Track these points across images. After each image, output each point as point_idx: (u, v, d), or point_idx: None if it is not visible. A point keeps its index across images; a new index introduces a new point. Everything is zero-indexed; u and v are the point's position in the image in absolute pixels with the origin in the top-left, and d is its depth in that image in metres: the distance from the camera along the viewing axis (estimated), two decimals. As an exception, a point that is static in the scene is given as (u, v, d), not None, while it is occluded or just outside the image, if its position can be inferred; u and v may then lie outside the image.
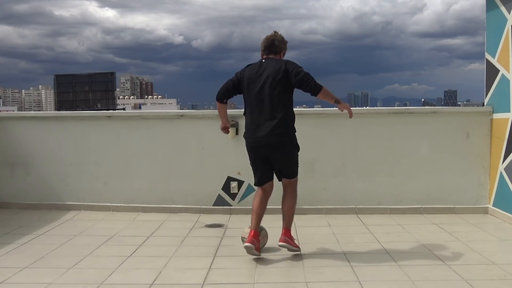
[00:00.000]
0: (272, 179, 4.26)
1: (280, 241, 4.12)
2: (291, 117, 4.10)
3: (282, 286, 3.56)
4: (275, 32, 4.25)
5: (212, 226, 5.30)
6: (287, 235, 4.16)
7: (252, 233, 4.07)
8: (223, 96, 4.27)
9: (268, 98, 4.01)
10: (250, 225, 4.18)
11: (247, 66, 4.22)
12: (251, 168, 4.29)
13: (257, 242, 4.05)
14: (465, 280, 3.54)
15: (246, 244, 4.02)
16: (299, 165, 4.28)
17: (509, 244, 4.62)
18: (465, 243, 4.51)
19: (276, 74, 4.01)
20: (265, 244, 4.30)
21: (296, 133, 4.14)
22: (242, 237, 4.30)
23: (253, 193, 4.59)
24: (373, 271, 3.82)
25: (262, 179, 4.23)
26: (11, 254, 4.34)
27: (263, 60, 4.16)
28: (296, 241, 4.28)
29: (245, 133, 4.22)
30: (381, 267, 3.90)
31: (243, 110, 4.28)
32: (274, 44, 4.17)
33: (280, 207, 4.26)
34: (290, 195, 4.24)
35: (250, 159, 4.25)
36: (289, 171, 4.22)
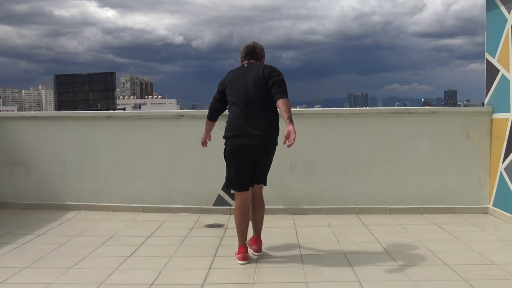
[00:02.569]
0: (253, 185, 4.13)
1: (258, 251, 4.20)
2: (277, 118, 4.02)
3: (282, 286, 3.56)
4: (255, 42, 4.27)
5: (212, 226, 5.30)
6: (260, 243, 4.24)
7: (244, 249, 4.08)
8: (214, 115, 4.34)
9: (256, 100, 3.94)
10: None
11: (229, 72, 4.19)
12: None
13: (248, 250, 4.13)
14: (465, 280, 3.54)
15: (243, 262, 4.01)
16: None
17: (509, 244, 4.61)
18: (465, 243, 4.51)
19: (263, 76, 3.96)
20: None
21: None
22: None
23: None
24: (373, 271, 3.82)
25: (247, 183, 4.07)
26: (11, 254, 4.34)
27: (245, 65, 4.15)
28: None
29: (229, 134, 4.03)
30: (381, 267, 3.90)
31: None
32: (255, 51, 4.21)
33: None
34: (262, 203, 4.21)
35: (235, 161, 4.03)
36: (265, 175, 4.18)
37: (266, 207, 4.31)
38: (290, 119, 3.71)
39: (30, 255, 4.26)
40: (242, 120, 3.97)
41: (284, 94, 3.86)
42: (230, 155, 4.06)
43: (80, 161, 6.10)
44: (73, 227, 5.29)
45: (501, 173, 5.42)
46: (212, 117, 4.36)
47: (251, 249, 4.20)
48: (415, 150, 5.77)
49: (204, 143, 4.55)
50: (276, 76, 3.94)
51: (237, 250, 4.08)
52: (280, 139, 3.83)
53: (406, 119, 5.82)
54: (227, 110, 4.17)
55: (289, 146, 3.66)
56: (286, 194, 5.79)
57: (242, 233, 4.06)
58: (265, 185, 4.22)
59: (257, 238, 4.24)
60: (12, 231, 5.11)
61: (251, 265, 3.96)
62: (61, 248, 4.51)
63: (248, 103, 3.96)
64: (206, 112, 6.24)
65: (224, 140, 4.10)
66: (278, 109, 3.94)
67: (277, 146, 4.09)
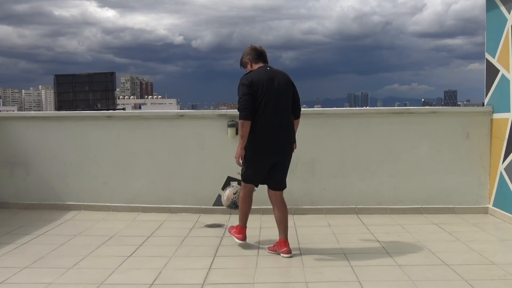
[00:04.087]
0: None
1: (288, 253, 4.16)
2: None
3: (282, 286, 3.56)
4: (255, 45, 4.34)
5: (212, 226, 5.30)
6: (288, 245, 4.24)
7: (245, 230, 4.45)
8: (252, 113, 4.02)
9: (286, 107, 4.16)
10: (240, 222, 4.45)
11: (250, 72, 4.17)
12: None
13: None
14: (465, 280, 3.54)
15: (242, 242, 4.43)
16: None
17: (509, 244, 4.62)
18: (465, 243, 4.51)
19: (288, 85, 4.19)
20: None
21: None
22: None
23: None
24: (373, 271, 3.82)
25: (259, 180, 4.32)
26: (11, 254, 4.34)
27: (268, 68, 4.22)
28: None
29: (260, 140, 4.07)
30: (381, 267, 3.90)
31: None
32: (264, 55, 4.30)
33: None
34: (285, 205, 4.35)
35: (257, 166, 4.19)
36: (284, 179, 4.37)
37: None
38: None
39: (30, 255, 4.26)
40: (276, 129, 4.09)
41: (299, 113, 4.33)
42: (254, 159, 4.17)
43: (80, 161, 6.10)
44: (73, 227, 5.29)
45: (501, 173, 5.42)
46: (251, 116, 4.02)
47: (280, 253, 4.18)
48: (415, 150, 5.76)
49: (241, 159, 4.16)
50: (296, 92, 4.27)
51: (236, 230, 4.45)
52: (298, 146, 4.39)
53: (406, 119, 5.82)
54: None
55: None
56: (286, 194, 5.74)
57: (244, 216, 4.41)
58: (283, 188, 4.37)
59: (285, 240, 4.21)
60: (12, 231, 5.11)
61: (251, 265, 3.96)
62: (61, 248, 4.51)
63: (280, 109, 4.11)
64: (206, 112, 6.26)
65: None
66: None
67: None
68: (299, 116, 4.33)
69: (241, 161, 4.18)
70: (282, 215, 4.26)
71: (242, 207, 4.40)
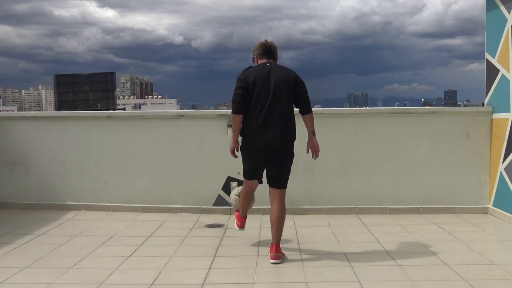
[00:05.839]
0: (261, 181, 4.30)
1: (272, 258, 4.02)
2: (294, 123, 4.17)
3: (282, 286, 3.57)
4: (267, 40, 4.29)
5: (212, 226, 5.30)
6: (278, 251, 4.08)
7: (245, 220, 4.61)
8: (243, 107, 4.03)
9: (279, 102, 4.04)
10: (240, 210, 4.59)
11: (248, 68, 4.19)
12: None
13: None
14: (465, 280, 3.54)
15: (239, 229, 4.62)
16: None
17: (509, 244, 4.62)
18: (465, 243, 4.51)
19: (288, 81, 4.08)
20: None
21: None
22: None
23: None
24: (373, 271, 3.82)
25: (256, 176, 4.25)
26: (11, 254, 4.34)
27: (267, 64, 4.16)
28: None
29: (246, 134, 4.09)
30: (381, 267, 3.90)
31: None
32: (272, 51, 4.24)
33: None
34: (281, 208, 4.14)
35: (248, 160, 4.18)
36: (281, 177, 4.17)
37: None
38: (314, 133, 4.23)
39: (30, 255, 4.26)
40: (261, 123, 4.03)
41: (310, 108, 4.17)
42: (245, 153, 4.19)
43: (80, 161, 6.10)
44: (73, 227, 5.29)
45: (501, 173, 5.42)
46: (242, 110, 4.03)
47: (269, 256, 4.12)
48: (415, 150, 5.76)
49: (234, 152, 4.13)
50: (302, 86, 4.12)
51: (236, 216, 4.63)
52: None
53: (406, 119, 5.82)
54: None
55: (316, 158, 4.29)
56: (286, 194, 5.76)
57: (243, 209, 4.55)
58: (285, 188, 4.21)
59: (272, 244, 4.11)
60: (12, 231, 5.11)
61: (251, 265, 3.96)
62: (61, 248, 4.51)
63: (271, 106, 4.03)
64: (206, 112, 6.26)
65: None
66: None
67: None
68: (308, 112, 4.13)
69: (237, 154, 4.15)
70: (275, 218, 4.11)
71: (242, 202, 4.48)
